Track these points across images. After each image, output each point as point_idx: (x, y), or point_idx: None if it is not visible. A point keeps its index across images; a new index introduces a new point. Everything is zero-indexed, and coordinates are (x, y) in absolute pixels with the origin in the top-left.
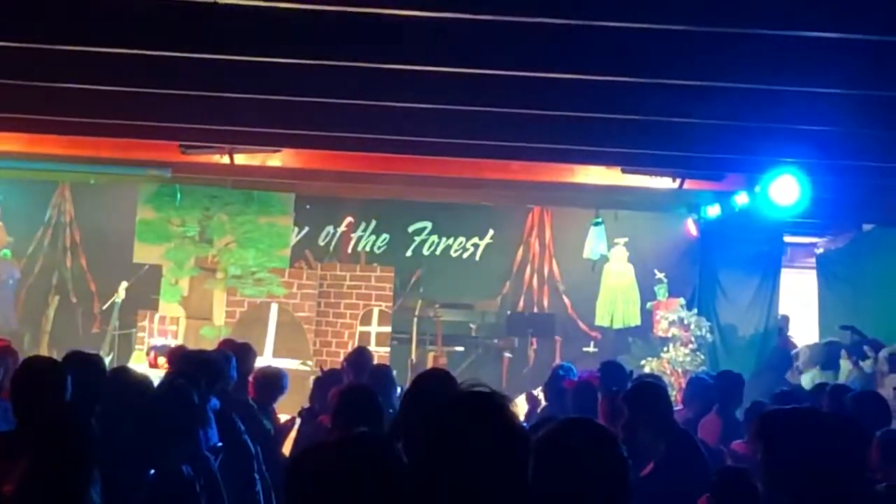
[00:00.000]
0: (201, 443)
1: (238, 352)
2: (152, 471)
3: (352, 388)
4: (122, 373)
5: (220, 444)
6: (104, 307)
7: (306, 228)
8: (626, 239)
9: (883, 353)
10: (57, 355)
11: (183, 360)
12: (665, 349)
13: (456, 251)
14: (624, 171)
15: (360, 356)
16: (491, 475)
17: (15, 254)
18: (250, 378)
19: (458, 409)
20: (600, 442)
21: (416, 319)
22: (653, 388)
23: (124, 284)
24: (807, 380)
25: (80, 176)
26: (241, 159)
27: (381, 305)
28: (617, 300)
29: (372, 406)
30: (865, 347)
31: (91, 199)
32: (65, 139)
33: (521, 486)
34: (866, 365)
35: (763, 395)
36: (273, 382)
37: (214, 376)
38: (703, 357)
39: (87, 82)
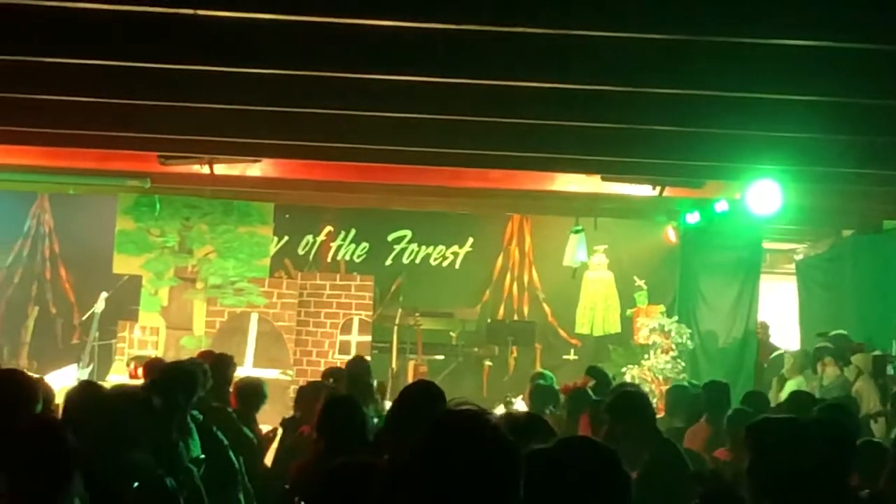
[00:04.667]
0: (182, 455)
1: (218, 362)
2: (136, 483)
3: (335, 399)
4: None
5: (202, 456)
6: (84, 318)
7: (286, 238)
8: (606, 246)
9: (855, 360)
10: (37, 367)
11: (158, 372)
12: (646, 356)
13: (436, 259)
14: (603, 179)
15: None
16: (479, 495)
17: None
18: (231, 388)
19: (446, 427)
20: (603, 462)
21: (396, 328)
22: (635, 396)
23: (104, 295)
24: (793, 386)
25: (59, 186)
26: (220, 169)
27: (361, 314)
28: (597, 307)
29: (355, 417)
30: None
31: (70, 210)
32: (44, 150)
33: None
34: (849, 371)
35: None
36: (254, 392)
37: (190, 387)
38: (683, 364)
39: (65, 93)
